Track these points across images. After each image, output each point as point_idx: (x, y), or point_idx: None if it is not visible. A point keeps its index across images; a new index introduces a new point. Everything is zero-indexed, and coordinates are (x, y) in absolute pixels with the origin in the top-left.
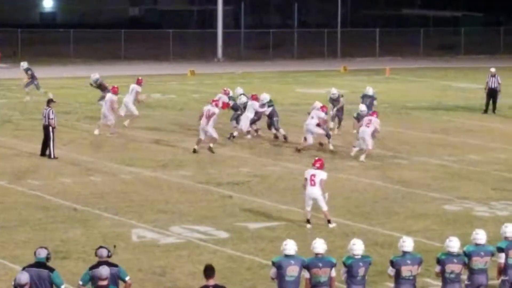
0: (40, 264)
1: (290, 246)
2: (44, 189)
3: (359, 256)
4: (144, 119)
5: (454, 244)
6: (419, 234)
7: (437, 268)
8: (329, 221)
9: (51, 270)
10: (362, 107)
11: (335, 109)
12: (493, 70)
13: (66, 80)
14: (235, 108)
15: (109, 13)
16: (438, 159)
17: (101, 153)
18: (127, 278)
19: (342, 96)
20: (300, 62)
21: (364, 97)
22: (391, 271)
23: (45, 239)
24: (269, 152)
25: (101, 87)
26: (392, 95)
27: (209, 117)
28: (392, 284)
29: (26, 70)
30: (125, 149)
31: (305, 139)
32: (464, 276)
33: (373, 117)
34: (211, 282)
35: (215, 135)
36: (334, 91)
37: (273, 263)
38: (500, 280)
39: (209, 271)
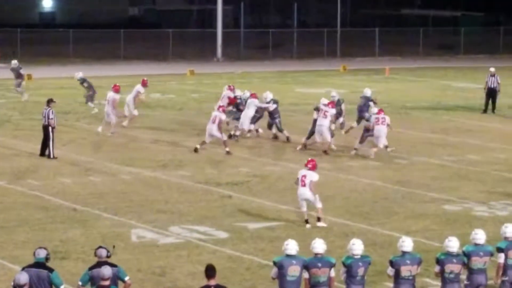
0: (39, 265)
1: (291, 246)
2: (44, 189)
3: (359, 256)
4: (143, 119)
5: (453, 244)
6: (418, 234)
7: (437, 268)
8: (318, 219)
9: (51, 270)
10: (374, 109)
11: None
12: (492, 70)
13: (65, 80)
14: (238, 107)
15: (108, 13)
16: (437, 159)
17: (101, 153)
18: (126, 278)
19: (343, 101)
20: (299, 62)
21: (361, 97)
22: (390, 271)
23: (44, 239)
24: (268, 152)
25: (88, 86)
26: (392, 95)
27: (215, 122)
28: (391, 284)
29: (18, 69)
30: (124, 149)
31: (310, 135)
32: (464, 276)
33: (383, 114)
34: (212, 282)
35: (224, 138)
36: (334, 94)
37: (275, 263)
38: (500, 281)
39: (210, 271)
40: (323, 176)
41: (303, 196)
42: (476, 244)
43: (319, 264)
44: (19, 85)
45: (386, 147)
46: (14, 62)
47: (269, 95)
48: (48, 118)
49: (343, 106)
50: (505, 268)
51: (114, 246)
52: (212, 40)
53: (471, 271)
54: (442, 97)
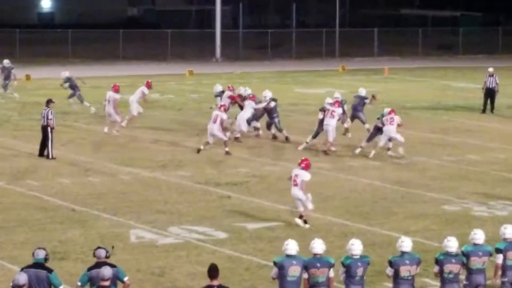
0: (38, 265)
1: (291, 246)
2: (43, 189)
3: (358, 256)
4: (142, 119)
5: (452, 244)
6: (417, 234)
7: (436, 268)
8: (303, 218)
9: (50, 271)
10: (385, 109)
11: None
12: (491, 70)
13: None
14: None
15: (107, 13)
16: (437, 159)
17: (100, 153)
18: (125, 279)
19: (345, 102)
20: (298, 62)
21: (356, 97)
22: (389, 271)
23: (43, 239)
24: (268, 152)
25: (72, 86)
26: (391, 95)
27: (217, 122)
28: (390, 284)
29: (10, 68)
30: (123, 149)
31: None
32: (463, 276)
33: (393, 115)
34: (215, 282)
35: (225, 137)
36: (337, 95)
37: (275, 263)
38: (499, 281)
39: (213, 271)
40: (323, 176)
41: (294, 195)
42: (475, 244)
43: (318, 264)
44: (5, 86)
45: (388, 149)
46: (7, 62)
47: (268, 94)
48: (47, 119)
49: (345, 107)
50: (504, 269)
51: (113, 247)
52: (211, 40)
53: (470, 271)
54: (442, 97)
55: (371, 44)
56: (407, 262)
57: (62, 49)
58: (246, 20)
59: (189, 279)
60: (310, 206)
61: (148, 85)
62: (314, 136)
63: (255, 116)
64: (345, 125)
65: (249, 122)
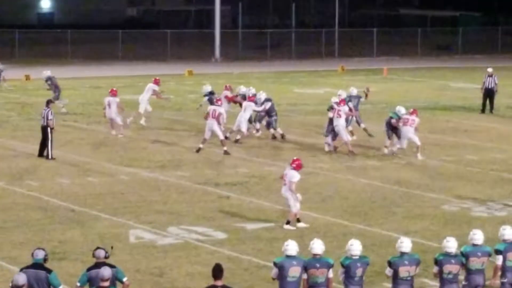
0: (37, 265)
1: (291, 247)
2: (42, 190)
3: (357, 257)
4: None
5: (451, 245)
6: (417, 235)
7: (435, 269)
8: (287, 222)
9: (49, 271)
10: (402, 109)
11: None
12: (490, 70)
13: (63, 80)
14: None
15: (106, 14)
16: (436, 159)
17: (99, 153)
18: (124, 279)
19: (349, 100)
20: (297, 62)
21: (351, 98)
22: (388, 271)
23: (42, 240)
24: (267, 153)
25: (53, 85)
26: (390, 95)
27: (216, 117)
28: (389, 285)
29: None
30: (123, 149)
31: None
32: (462, 277)
33: (414, 116)
34: (219, 283)
35: (221, 136)
36: (340, 92)
37: (275, 264)
38: (499, 282)
39: (217, 271)
40: (322, 176)
41: (283, 194)
42: (474, 245)
43: (318, 265)
44: None
45: (399, 148)
46: None
47: (262, 95)
48: (47, 119)
49: (350, 104)
50: (504, 269)
51: (112, 247)
52: (210, 40)
53: (469, 272)
54: (441, 97)
55: (370, 44)
56: (406, 262)
57: (61, 49)
58: (245, 20)
59: (188, 279)
60: (297, 207)
61: (156, 82)
62: (330, 135)
63: (259, 118)
64: (362, 125)
65: (250, 122)
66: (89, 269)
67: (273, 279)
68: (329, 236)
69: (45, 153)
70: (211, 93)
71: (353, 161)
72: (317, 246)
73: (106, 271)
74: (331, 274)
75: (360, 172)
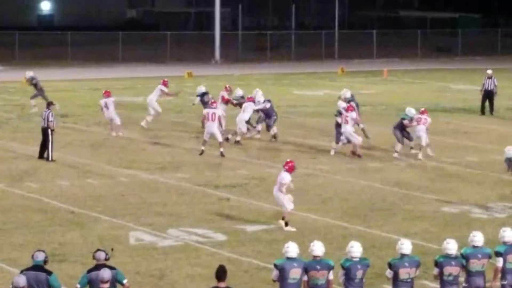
0: (37, 267)
1: (292, 249)
2: (42, 191)
3: (357, 259)
4: (141, 121)
5: (451, 247)
6: (417, 236)
7: (435, 271)
8: (286, 224)
9: (49, 273)
10: (412, 110)
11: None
12: (489, 71)
13: (63, 82)
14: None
15: (106, 15)
16: (435, 161)
17: (99, 155)
18: (125, 281)
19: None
20: (297, 64)
21: (353, 97)
22: (389, 273)
23: (42, 242)
24: (266, 154)
25: (36, 86)
26: (390, 97)
27: (215, 120)
28: (390, 287)
29: None
30: (122, 151)
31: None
32: (462, 279)
33: (426, 115)
34: (222, 284)
35: (221, 139)
36: (346, 92)
37: (276, 266)
38: (499, 284)
39: (221, 273)
40: (321, 178)
41: (274, 196)
42: (474, 247)
43: (318, 267)
44: None
45: (411, 148)
46: None
47: (261, 97)
48: (48, 121)
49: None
50: (504, 272)
51: (112, 249)
52: (210, 42)
53: (469, 274)
54: (440, 99)
55: (370, 46)
56: (407, 264)
57: (61, 51)
58: (245, 22)
59: (188, 281)
60: (287, 208)
61: (165, 84)
62: (338, 141)
63: (261, 119)
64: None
65: (250, 123)
66: (89, 271)
67: (274, 281)
68: (329, 238)
69: (45, 155)
70: (204, 94)
71: (353, 162)
72: (318, 248)
73: (105, 273)
74: (331, 276)
75: (360, 173)
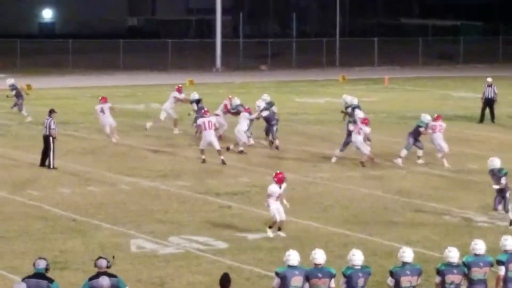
0: (39, 275)
1: (293, 257)
2: (43, 199)
3: (359, 267)
4: (142, 129)
5: (453, 255)
6: (418, 244)
7: (437, 279)
8: (279, 229)
9: (50, 281)
10: (427, 116)
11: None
12: (489, 79)
13: (64, 90)
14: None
15: (107, 23)
16: (437, 168)
17: (100, 163)
18: None
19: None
20: (298, 71)
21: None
22: (390, 281)
23: (44, 249)
24: (268, 162)
25: (16, 93)
26: (391, 105)
27: (212, 128)
28: None
29: None
30: (123, 159)
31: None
32: (464, 287)
33: (441, 121)
34: None
35: (218, 147)
36: (352, 99)
37: (277, 274)
38: None
39: (225, 281)
40: (322, 186)
41: (265, 204)
42: (476, 255)
43: (320, 275)
44: None
45: (419, 157)
46: None
47: (261, 104)
48: (50, 128)
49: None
50: (506, 280)
51: (113, 257)
52: (211, 50)
53: (471, 282)
54: (442, 107)
55: (371, 54)
56: (408, 272)
57: (63, 59)
58: (246, 30)
59: None
60: (276, 217)
61: (179, 90)
62: (344, 146)
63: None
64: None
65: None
66: (90, 279)
67: None
68: (330, 246)
69: (46, 163)
70: (198, 101)
71: (354, 170)
72: (319, 256)
73: (104, 281)
74: (333, 284)
75: (361, 181)
